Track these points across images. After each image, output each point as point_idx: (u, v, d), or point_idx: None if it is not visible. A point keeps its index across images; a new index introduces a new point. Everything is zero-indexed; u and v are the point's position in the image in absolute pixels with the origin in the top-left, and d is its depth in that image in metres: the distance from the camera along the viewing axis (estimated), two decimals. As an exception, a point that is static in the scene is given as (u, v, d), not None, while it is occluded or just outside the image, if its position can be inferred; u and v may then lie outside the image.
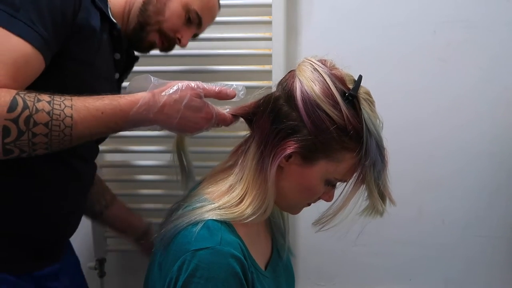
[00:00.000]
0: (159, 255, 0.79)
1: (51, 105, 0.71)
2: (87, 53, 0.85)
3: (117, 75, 0.97)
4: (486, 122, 1.26)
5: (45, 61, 0.76)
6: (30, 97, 0.70)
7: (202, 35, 1.25)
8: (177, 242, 0.75)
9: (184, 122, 0.80)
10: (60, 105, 0.72)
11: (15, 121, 0.68)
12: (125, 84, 1.24)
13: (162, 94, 0.79)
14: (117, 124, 0.78)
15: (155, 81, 0.82)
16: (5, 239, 0.85)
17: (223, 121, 0.85)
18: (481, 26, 1.22)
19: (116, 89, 0.99)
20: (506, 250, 1.31)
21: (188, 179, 0.93)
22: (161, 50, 1.02)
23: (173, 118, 0.79)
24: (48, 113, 0.71)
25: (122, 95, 0.80)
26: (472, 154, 1.27)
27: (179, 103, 0.79)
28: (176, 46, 1.24)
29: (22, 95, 0.70)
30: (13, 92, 0.69)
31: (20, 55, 0.72)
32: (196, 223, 0.75)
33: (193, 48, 1.27)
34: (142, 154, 1.32)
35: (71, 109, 0.73)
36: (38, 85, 0.75)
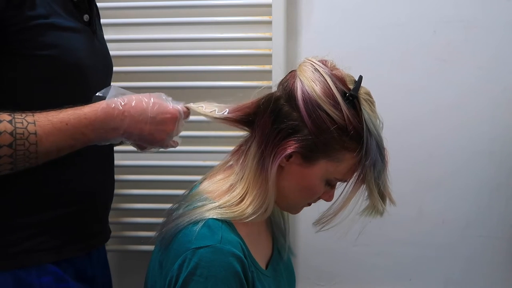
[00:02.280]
0: (160, 254, 0.80)
1: (13, 124, 0.70)
2: (35, 13, 0.78)
3: (86, 17, 0.89)
4: (486, 122, 1.26)
5: None
6: None
7: (202, 35, 1.25)
8: (178, 241, 0.76)
9: (151, 124, 0.79)
10: (22, 123, 0.70)
11: None
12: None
13: (122, 98, 0.79)
14: (84, 134, 0.76)
15: (114, 88, 0.81)
16: (43, 227, 0.83)
17: (186, 116, 0.84)
18: (481, 26, 1.22)
19: (92, 34, 0.91)
20: (506, 250, 1.31)
21: None
22: None
23: (137, 116, 0.78)
24: (11, 133, 0.69)
25: (85, 105, 0.78)
26: (472, 154, 1.27)
27: (140, 101, 0.79)
28: (176, 46, 1.24)
29: None
30: None
31: None
32: (197, 222, 0.75)
33: (193, 48, 1.27)
34: (142, 154, 1.32)
35: (34, 125, 0.71)
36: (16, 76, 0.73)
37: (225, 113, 0.83)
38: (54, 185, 0.83)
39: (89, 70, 0.86)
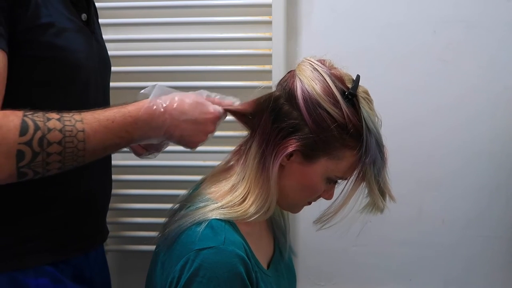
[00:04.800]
0: (162, 254, 0.79)
1: (62, 121, 0.70)
2: (37, 17, 0.77)
3: (84, 16, 0.89)
4: (486, 122, 1.26)
5: (7, 55, 0.72)
6: (38, 117, 0.69)
7: (202, 35, 1.25)
8: (181, 242, 0.76)
9: (193, 125, 0.80)
10: (70, 120, 0.71)
11: (29, 143, 0.67)
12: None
13: (167, 95, 0.79)
14: (128, 132, 0.76)
15: (159, 87, 0.82)
16: (40, 228, 0.83)
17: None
18: (481, 26, 1.22)
19: (90, 34, 0.90)
20: (506, 250, 1.31)
21: None
22: None
23: (182, 115, 0.79)
24: (60, 130, 0.69)
25: (129, 104, 0.79)
26: (472, 154, 1.27)
27: (187, 97, 0.79)
28: (176, 46, 1.24)
29: (30, 116, 0.68)
30: (20, 114, 0.68)
31: None
32: (200, 223, 0.76)
33: (193, 48, 1.27)
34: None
35: (82, 123, 0.72)
36: (21, 76, 0.73)
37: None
38: (53, 186, 0.83)
39: (87, 70, 0.86)
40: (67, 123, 0.70)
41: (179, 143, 0.83)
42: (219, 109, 0.83)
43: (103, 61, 0.97)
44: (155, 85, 0.82)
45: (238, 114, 0.84)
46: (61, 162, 0.71)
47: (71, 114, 0.72)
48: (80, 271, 0.90)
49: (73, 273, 0.88)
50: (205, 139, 0.83)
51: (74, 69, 0.83)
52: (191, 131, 0.80)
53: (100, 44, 0.96)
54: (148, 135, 0.79)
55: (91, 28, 0.91)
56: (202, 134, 0.82)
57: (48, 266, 0.83)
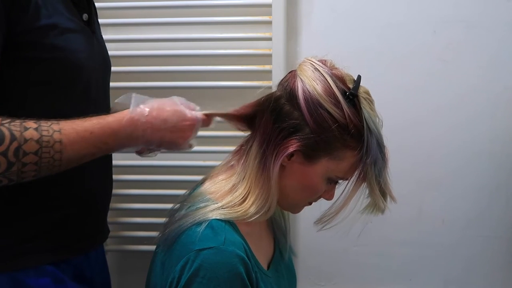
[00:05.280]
0: (163, 254, 0.79)
1: (39, 131, 0.70)
2: (43, 17, 0.78)
3: (85, 16, 0.89)
4: (486, 122, 1.26)
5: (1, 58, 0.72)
6: (15, 126, 0.68)
7: (202, 35, 1.25)
8: (181, 242, 0.76)
9: (171, 132, 0.81)
10: (48, 130, 0.71)
11: (4, 154, 0.67)
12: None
13: (145, 104, 0.80)
14: (107, 144, 0.77)
15: (136, 96, 0.83)
16: (40, 228, 0.83)
17: (205, 124, 0.85)
18: (481, 26, 1.22)
19: (91, 34, 0.90)
20: (506, 250, 1.31)
21: None
22: None
23: (161, 122, 0.79)
24: (37, 141, 0.69)
25: (108, 114, 0.79)
26: (472, 154, 1.27)
27: (166, 105, 0.80)
28: (176, 46, 1.23)
29: (6, 125, 0.68)
30: None
31: None
32: (200, 223, 0.75)
33: (193, 48, 1.27)
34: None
35: (60, 134, 0.71)
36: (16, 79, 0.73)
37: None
38: (54, 186, 0.83)
39: (88, 71, 0.86)
40: (44, 133, 0.70)
41: (157, 148, 0.84)
42: (197, 116, 0.83)
43: (104, 61, 0.97)
44: (131, 94, 0.83)
45: (234, 118, 0.84)
46: (36, 171, 0.71)
47: (49, 123, 0.72)
48: (81, 271, 0.90)
49: (73, 273, 0.88)
50: (182, 143, 0.83)
51: (75, 69, 0.83)
52: (170, 138, 0.81)
53: (100, 44, 0.96)
54: (127, 145, 0.80)
55: (92, 28, 0.91)
56: (181, 139, 0.83)
57: (49, 265, 0.83)
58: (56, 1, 0.81)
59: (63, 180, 0.82)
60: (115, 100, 0.85)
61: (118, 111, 0.81)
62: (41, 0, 0.77)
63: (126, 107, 0.81)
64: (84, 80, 0.85)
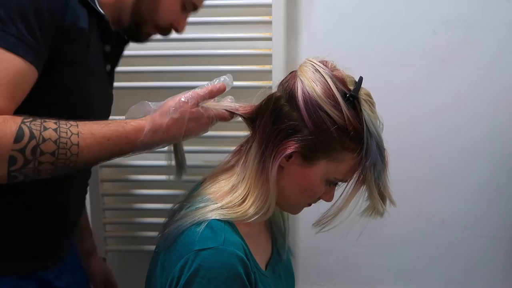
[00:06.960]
0: (162, 255, 0.79)
1: (58, 133, 0.71)
2: (78, 54, 0.82)
3: (108, 67, 0.95)
4: (486, 122, 1.26)
5: (38, 72, 0.74)
6: (36, 126, 0.69)
7: (202, 35, 1.25)
8: (180, 242, 0.76)
9: (189, 133, 0.84)
10: (66, 132, 0.72)
11: (22, 151, 0.68)
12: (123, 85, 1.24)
13: (163, 116, 0.81)
14: (122, 150, 0.79)
15: (153, 106, 0.84)
16: (6, 240, 0.84)
17: (223, 119, 0.86)
18: (481, 26, 1.22)
19: (108, 84, 0.96)
20: (506, 250, 1.31)
21: (181, 168, 0.95)
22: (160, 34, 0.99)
23: (178, 135, 0.82)
24: (55, 142, 0.70)
25: (127, 120, 0.80)
26: (472, 154, 1.27)
27: (181, 120, 0.81)
28: (176, 46, 1.23)
29: (27, 124, 0.69)
30: (19, 120, 0.69)
31: (15, 72, 0.69)
32: (199, 223, 0.76)
33: (193, 48, 1.27)
34: (142, 154, 1.32)
35: (78, 137, 0.72)
36: (31, 93, 0.74)
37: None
38: (24, 198, 0.84)
39: (95, 113, 0.88)
40: (62, 134, 0.71)
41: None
42: (213, 113, 0.85)
43: (110, 105, 1.00)
44: (144, 103, 0.85)
45: (240, 116, 0.86)
46: (52, 170, 0.72)
47: (68, 125, 0.73)
48: (48, 282, 0.91)
49: (40, 285, 0.89)
50: (207, 129, 0.87)
51: (84, 110, 0.85)
52: (191, 133, 0.85)
53: (112, 90, 1.00)
54: (138, 151, 0.82)
55: (111, 78, 0.97)
56: (194, 135, 0.86)
57: (12, 277, 0.84)
58: (92, 43, 0.85)
59: (35, 192, 0.84)
60: (130, 107, 0.86)
61: (132, 118, 0.82)
62: (88, 34, 0.83)
63: (141, 114, 0.83)
64: (87, 118, 0.86)
